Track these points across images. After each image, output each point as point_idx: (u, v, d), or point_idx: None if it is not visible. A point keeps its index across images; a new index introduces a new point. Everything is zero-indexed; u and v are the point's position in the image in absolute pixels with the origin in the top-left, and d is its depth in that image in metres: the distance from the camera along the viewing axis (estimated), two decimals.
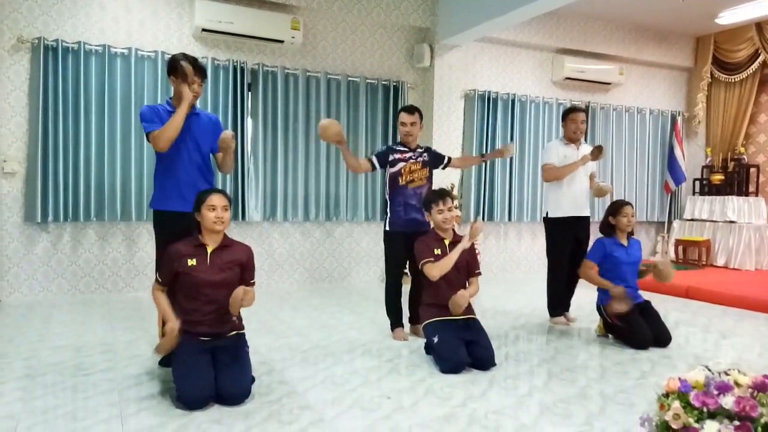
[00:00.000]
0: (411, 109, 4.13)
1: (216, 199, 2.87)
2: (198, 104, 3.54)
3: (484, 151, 6.94)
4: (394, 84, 6.55)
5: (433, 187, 4.11)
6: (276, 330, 4.24)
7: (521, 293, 5.42)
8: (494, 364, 3.38)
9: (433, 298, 3.58)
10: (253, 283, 3.02)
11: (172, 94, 3.29)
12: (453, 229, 3.72)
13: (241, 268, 2.95)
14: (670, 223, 8.36)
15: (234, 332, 2.95)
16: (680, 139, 8.23)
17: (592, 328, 4.39)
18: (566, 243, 4.64)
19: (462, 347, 3.34)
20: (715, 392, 1.45)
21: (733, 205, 7.63)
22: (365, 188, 6.45)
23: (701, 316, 5.06)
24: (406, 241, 3.94)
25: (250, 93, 5.94)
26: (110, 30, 5.38)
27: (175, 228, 3.12)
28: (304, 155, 6.18)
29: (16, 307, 4.83)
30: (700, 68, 8.29)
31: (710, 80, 8.29)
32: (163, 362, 3.25)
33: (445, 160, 4.35)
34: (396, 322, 4.14)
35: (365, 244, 6.57)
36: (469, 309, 3.59)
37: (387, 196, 4.15)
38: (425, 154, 4.17)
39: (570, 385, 3.13)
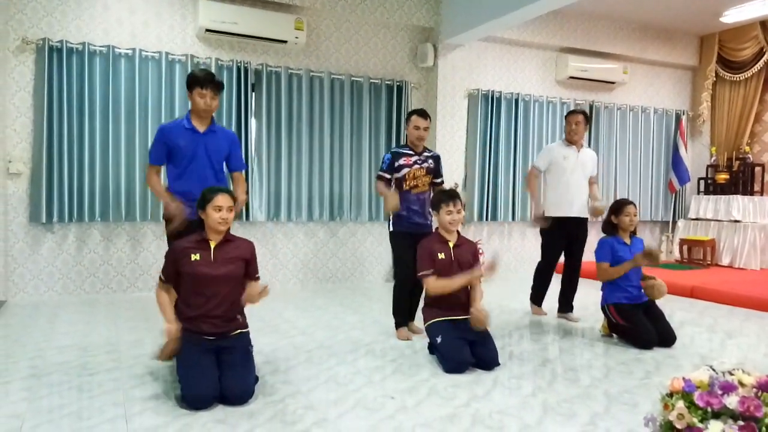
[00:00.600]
0: (425, 114, 4.21)
1: (222, 200, 2.88)
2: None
3: (488, 150, 6.95)
4: (398, 84, 6.54)
5: (431, 193, 4.22)
6: (280, 330, 4.24)
7: (525, 293, 5.40)
8: (498, 364, 3.37)
9: (434, 299, 3.57)
10: (258, 278, 3.04)
11: (189, 107, 3.49)
12: (457, 231, 3.70)
13: (245, 262, 2.98)
14: (674, 222, 8.33)
15: (238, 331, 2.96)
16: (685, 138, 8.21)
17: (596, 328, 4.38)
18: (559, 242, 4.83)
19: (466, 347, 3.34)
20: (720, 392, 1.44)
21: (738, 205, 7.60)
22: (369, 188, 6.45)
23: (706, 315, 5.05)
24: (412, 240, 3.98)
25: (253, 93, 5.95)
26: (114, 31, 5.39)
27: (185, 235, 3.16)
28: (308, 155, 6.18)
29: (21, 307, 4.85)
30: (705, 67, 8.27)
31: (715, 79, 8.26)
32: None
33: (440, 180, 4.34)
34: (401, 322, 4.16)
35: (369, 244, 6.57)
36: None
37: None
38: (430, 161, 4.20)
39: (574, 384, 3.13)
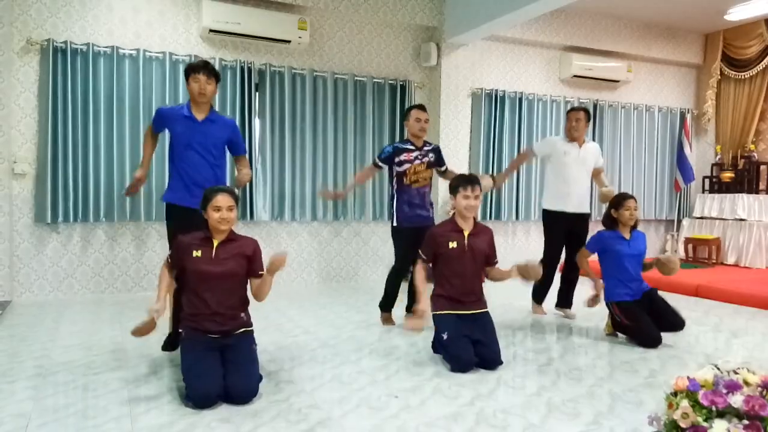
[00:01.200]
0: (424, 107, 4.36)
1: (221, 200, 2.89)
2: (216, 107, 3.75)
3: (492, 149, 6.96)
4: (401, 83, 6.54)
5: (432, 187, 4.33)
6: (284, 329, 4.25)
7: (527, 293, 5.40)
8: (501, 363, 3.36)
9: (444, 289, 3.50)
10: (262, 274, 3.02)
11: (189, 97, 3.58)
12: (474, 219, 3.59)
13: (247, 260, 2.97)
14: (679, 221, 8.30)
15: (242, 329, 2.96)
16: (689, 136, 8.18)
17: (600, 327, 4.37)
18: (558, 237, 4.82)
19: (471, 346, 3.32)
20: (724, 391, 1.44)
21: (743, 203, 7.57)
22: (372, 188, 6.45)
23: (712, 315, 5.03)
24: (415, 234, 4.06)
25: (257, 93, 5.96)
26: (118, 31, 5.41)
27: (183, 221, 3.29)
28: (312, 155, 6.19)
29: (27, 306, 4.87)
30: (710, 65, 8.23)
31: (720, 77, 8.23)
32: (165, 347, 3.52)
33: (444, 167, 4.45)
34: (385, 307, 4.36)
35: (373, 244, 6.57)
36: (481, 302, 3.54)
37: (393, 192, 4.30)
38: (431, 154, 4.29)
39: (578, 383, 3.12)
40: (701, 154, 8.54)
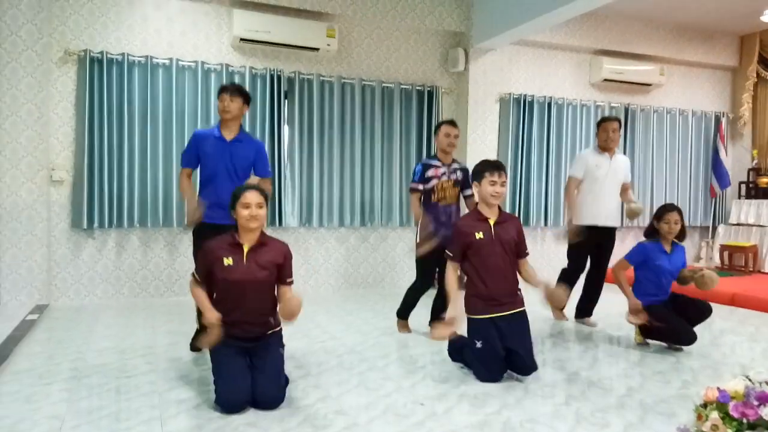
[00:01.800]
0: (454, 123, 4.35)
1: (250, 197, 2.83)
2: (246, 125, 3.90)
3: (520, 155, 6.90)
4: (429, 89, 6.55)
5: (461, 208, 4.27)
6: (312, 334, 4.28)
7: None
8: (536, 369, 3.26)
9: (477, 288, 3.30)
10: (291, 282, 3.00)
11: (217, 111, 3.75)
12: (499, 207, 3.42)
13: (277, 267, 2.92)
14: (714, 228, 8.11)
15: (270, 331, 2.95)
16: (724, 141, 7.99)
17: (630, 336, 4.28)
18: (585, 251, 4.73)
19: (503, 356, 3.22)
20: (756, 403, 1.40)
21: None
22: (400, 194, 6.46)
23: (748, 324, 4.90)
24: (437, 253, 4.01)
25: (286, 101, 6.03)
26: (152, 41, 5.54)
27: (207, 238, 3.29)
28: (339, 161, 6.23)
29: (63, 310, 5.00)
30: (746, 67, 8.03)
31: (756, 80, 8.03)
32: (193, 347, 3.66)
33: (470, 193, 4.30)
34: (402, 314, 4.39)
35: (399, 250, 6.58)
36: (518, 299, 3.35)
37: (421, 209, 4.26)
38: (459, 172, 4.28)
39: (608, 394, 3.07)
40: (737, 159, 8.32)
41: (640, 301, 3.92)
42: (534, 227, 7.14)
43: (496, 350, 3.21)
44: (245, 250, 2.88)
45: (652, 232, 4.04)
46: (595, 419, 2.71)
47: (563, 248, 7.18)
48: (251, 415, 2.67)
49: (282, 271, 2.95)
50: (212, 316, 2.80)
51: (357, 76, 6.30)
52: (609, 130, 4.61)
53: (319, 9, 5.87)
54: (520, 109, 6.94)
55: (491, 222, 3.34)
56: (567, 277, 4.84)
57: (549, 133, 7.11)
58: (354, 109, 6.28)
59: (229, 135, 3.61)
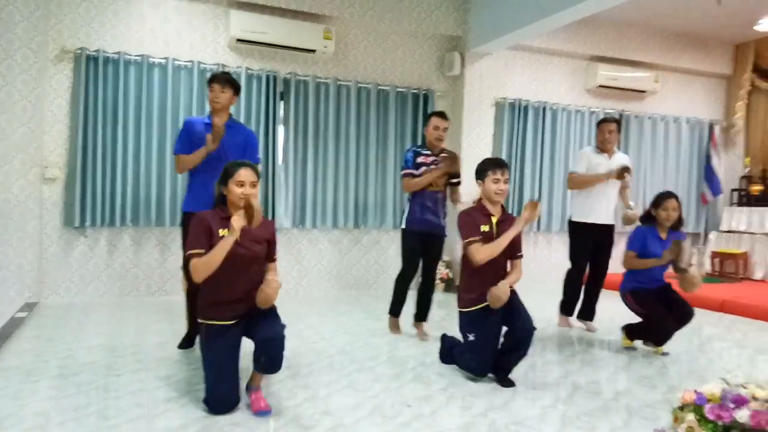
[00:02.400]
0: (444, 115, 4.36)
1: (244, 174, 2.75)
2: (233, 114, 3.86)
3: (514, 159, 6.93)
4: (424, 93, 6.57)
5: (447, 194, 4.32)
6: (302, 335, 4.28)
7: (550, 304, 5.36)
8: (535, 329, 3.19)
9: (472, 282, 3.31)
10: (275, 259, 2.95)
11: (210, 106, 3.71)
12: (502, 206, 3.44)
13: (267, 243, 2.89)
14: (706, 234, 8.14)
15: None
16: (717, 148, 8.03)
17: (620, 340, 4.31)
18: (586, 248, 4.78)
19: (495, 350, 3.23)
20: (731, 406, 1.42)
21: None
22: (393, 197, 6.48)
23: (736, 330, 4.93)
24: (422, 239, 4.17)
25: (282, 101, 6.04)
26: (148, 40, 5.55)
27: None
28: (334, 163, 6.24)
29: (53, 308, 5.00)
30: (740, 76, 8.09)
31: (750, 88, 8.08)
32: (182, 345, 3.72)
33: (457, 180, 4.35)
34: (393, 311, 4.41)
35: (392, 252, 6.59)
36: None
37: (408, 195, 4.33)
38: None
39: (595, 397, 3.09)
40: (730, 167, 8.37)
41: (628, 285, 3.96)
42: (526, 232, 7.14)
43: (489, 340, 3.22)
44: None
45: (648, 219, 4.06)
46: (581, 422, 2.72)
47: (556, 252, 7.27)
48: (237, 414, 2.67)
49: (270, 248, 2.91)
50: (239, 217, 2.65)
51: (353, 78, 6.31)
52: (605, 131, 4.72)
53: (316, 11, 5.88)
54: (515, 114, 6.97)
55: (494, 219, 3.34)
56: (572, 283, 4.88)
57: (543, 138, 7.14)
58: (349, 112, 6.29)
59: (218, 122, 3.57)
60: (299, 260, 6.20)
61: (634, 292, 3.97)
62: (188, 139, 3.64)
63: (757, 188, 7.79)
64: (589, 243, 4.76)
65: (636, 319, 4.11)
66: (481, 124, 6.80)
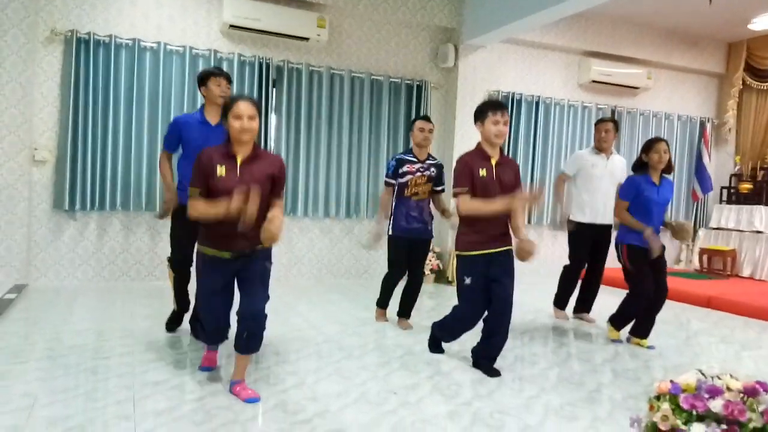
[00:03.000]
0: (428, 118, 4.41)
1: (243, 108, 2.69)
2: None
3: (507, 152, 6.93)
4: (418, 83, 6.56)
5: (431, 203, 4.34)
6: (291, 322, 4.30)
7: (539, 296, 5.41)
8: (512, 304, 3.26)
9: (471, 226, 3.26)
10: (281, 196, 2.90)
11: (202, 101, 3.67)
12: (500, 149, 3.37)
13: (272, 180, 2.80)
14: (695, 231, 8.21)
15: (260, 246, 2.77)
16: (708, 146, 8.09)
17: (607, 335, 4.35)
18: (583, 246, 4.84)
19: (487, 299, 3.24)
20: (706, 396, 1.44)
21: (761, 215, 7.46)
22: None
23: (722, 326, 4.98)
24: (409, 245, 4.23)
25: (274, 89, 6.02)
26: (140, 24, 5.50)
27: (185, 219, 3.30)
28: (326, 152, 6.24)
29: (42, 291, 4.98)
30: (732, 74, 8.13)
31: (742, 87, 8.13)
32: (169, 327, 3.78)
33: (440, 188, 4.36)
34: (381, 304, 4.51)
35: (384, 242, 6.58)
36: (507, 237, 3.34)
37: (393, 202, 4.31)
38: (433, 169, 4.30)
39: (579, 388, 3.12)
40: (720, 165, 8.43)
41: (629, 238, 3.98)
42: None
43: (483, 286, 3.23)
44: (239, 161, 2.74)
45: (640, 166, 4.07)
46: (564, 412, 2.76)
47: (546, 246, 7.31)
48: (224, 399, 2.69)
49: (275, 185, 2.82)
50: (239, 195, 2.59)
51: (346, 67, 6.30)
52: (602, 131, 4.77)
53: None
54: (509, 108, 6.97)
55: (493, 162, 3.29)
56: (567, 278, 4.96)
57: (536, 132, 7.16)
58: (342, 101, 6.28)
59: (213, 119, 3.57)
60: (290, 248, 6.21)
61: (632, 247, 3.97)
62: (177, 137, 3.60)
63: (746, 186, 7.85)
64: (587, 242, 4.81)
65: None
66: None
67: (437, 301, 5.43)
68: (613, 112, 7.58)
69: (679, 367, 3.65)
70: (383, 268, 4.46)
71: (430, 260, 6.25)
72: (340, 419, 2.53)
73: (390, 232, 4.32)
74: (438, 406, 2.74)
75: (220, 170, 2.71)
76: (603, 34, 7.31)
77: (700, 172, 8.10)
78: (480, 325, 3.37)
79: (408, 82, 6.54)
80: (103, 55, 5.32)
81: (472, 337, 3.46)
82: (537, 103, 7.14)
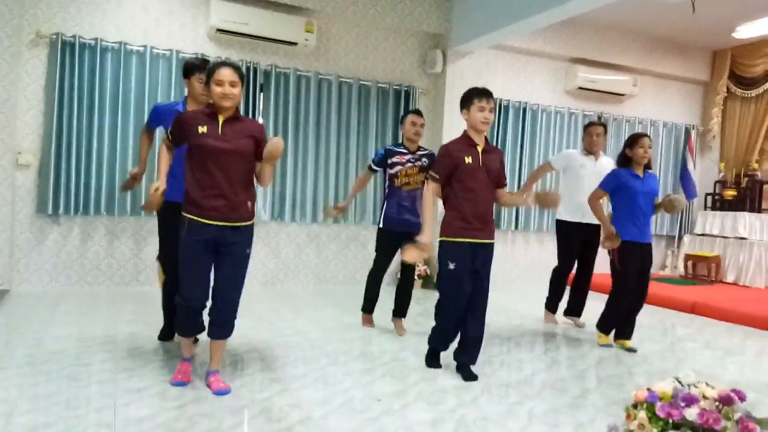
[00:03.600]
0: (419, 112, 4.41)
1: (224, 74, 2.76)
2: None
3: None
4: (406, 89, 6.58)
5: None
6: (275, 328, 4.27)
7: (526, 302, 5.42)
8: (488, 294, 3.38)
9: (457, 211, 3.30)
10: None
11: (186, 93, 3.54)
12: (485, 137, 3.40)
13: (255, 141, 2.86)
14: (680, 237, 8.28)
15: (245, 222, 2.86)
16: (693, 152, 8.16)
17: (595, 339, 4.37)
18: (572, 246, 4.89)
19: (470, 283, 3.26)
20: (682, 404, 1.45)
21: (744, 222, 7.55)
22: (374, 193, 6.48)
23: (706, 332, 5.02)
24: (399, 239, 4.17)
25: (262, 94, 6.01)
26: (127, 27, 5.47)
27: (172, 220, 3.26)
28: (314, 157, 6.23)
29: (24, 296, 4.92)
30: (716, 82, 8.22)
31: (726, 94, 8.22)
32: (162, 337, 3.67)
33: None
34: (366, 309, 4.51)
35: (371, 248, 6.56)
36: (491, 230, 3.38)
37: (384, 194, 4.36)
38: (424, 159, 4.30)
39: (563, 394, 3.13)
40: (705, 171, 8.51)
41: (621, 233, 4.00)
42: (504, 230, 7.21)
43: (467, 271, 3.25)
44: (220, 120, 2.81)
45: (624, 161, 4.11)
46: (547, 419, 2.76)
47: (533, 251, 7.35)
48: (206, 405, 2.66)
49: (259, 148, 2.86)
50: (159, 183, 2.84)
51: (334, 72, 6.30)
52: (593, 134, 4.84)
53: (298, 3, 5.85)
54: (496, 113, 6.96)
55: (479, 149, 3.33)
56: (557, 281, 5.01)
57: (523, 137, 7.20)
58: (330, 106, 6.28)
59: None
60: (277, 254, 6.18)
61: (624, 243, 4.00)
62: (156, 122, 3.59)
63: (730, 193, 7.93)
64: (576, 242, 4.86)
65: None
66: (463, 122, 6.77)
67: (425, 306, 5.42)
68: (599, 118, 7.63)
69: (663, 372, 3.66)
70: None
71: (418, 266, 6.25)
72: (323, 426, 2.52)
73: (380, 225, 4.33)
74: (422, 413, 2.73)
75: (202, 129, 2.78)
76: (590, 41, 7.37)
77: (684, 178, 8.16)
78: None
79: (396, 87, 6.55)
80: (89, 59, 5.28)
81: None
82: (524, 109, 7.18)
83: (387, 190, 4.31)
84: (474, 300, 3.31)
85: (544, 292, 5.13)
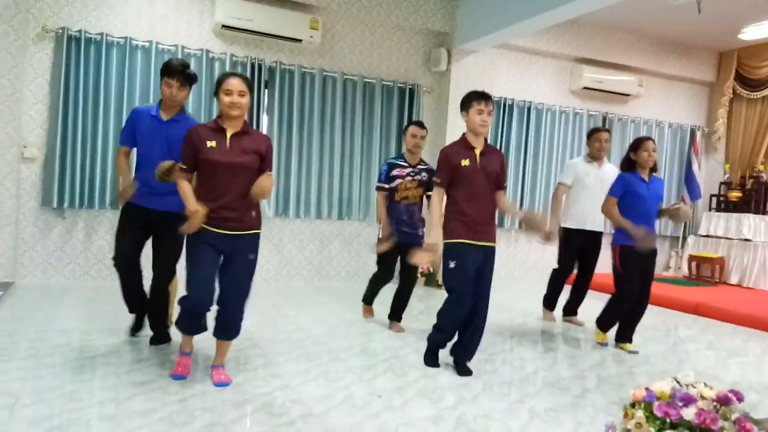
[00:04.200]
0: (422, 124, 4.41)
1: (233, 83, 2.81)
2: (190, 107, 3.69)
3: None
4: (410, 87, 6.58)
5: (424, 207, 4.29)
6: (278, 324, 4.29)
7: (528, 301, 5.42)
8: (489, 297, 3.39)
9: (457, 215, 3.32)
10: (271, 170, 3.00)
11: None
12: (485, 139, 3.42)
13: (259, 156, 2.90)
14: (684, 238, 8.26)
15: (251, 231, 2.91)
16: (698, 154, 8.14)
17: (594, 339, 4.37)
18: (571, 252, 4.93)
19: (473, 283, 3.27)
20: (680, 404, 1.45)
21: (749, 223, 7.52)
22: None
23: (709, 333, 5.01)
24: (399, 249, 4.20)
25: (266, 90, 6.01)
26: (132, 23, 5.49)
27: (133, 221, 3.33)
28: (318, 154, 6.24)
29: (29, 289, 4.95)
30: (723, 83, 8.19)
31: (732, 96, 8.19)
32: (154, 341, 3.53)
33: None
34: (367, 300, 4.63)
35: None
36: (493, 233, 3.38)
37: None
38: (424, 173, 4.30)
39: (564, 393, 3.13)
40: (710, 172, 8.49)
41: (622, 239, 3.99)
42: (508, 229, 7.21)
43: (468, 270, 3.25)
44: (228, 135, 2.86)
45: (629, 166, 4.10)
46: (548, 417, 2.77)
47: (536, 251, 7.34)
48: (208, 399, 2.68)
49: (263, 162, 2.92)
50: (194, 205, 2.77)
51: (339, 69, 6.30)
52: (602, 140, 4.83)
53: (303, 0, 5.86)
54: (500, 112, 7.00)
55: (477, 152, 3.34)
56: (557, 280, 5.04)
57: (527, 137, 7.19)
58: (335, 103, 6.28)
59: (166, 116, 3.36)
60: (280, 250, 6.19)
61: (624, 248, 3.99)
62: (132, 132, 3.44)
63: (735, 194, 7.90)
64: (577, 248, 4.89)
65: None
66: None
67: (427, 304, 5.43)
68: (604, 118, 7.62)
69: (663, 373, 3.67)
70: (373, 271, 4.48)
71: (420, 268, 6.26)
72: (324, 422, 2.53)
73: (379, 236, 4.35)
74: (422, 410, 2.74)
75: (210, 143, 2.82)
76: (595, 41, 7.35)
77: (689, 179, 8.15)
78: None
79: (400, 85, 6.55)
80: (94, 53, 5.30)
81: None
82: (529, 109, 7.17)
83: (387, 204, 4.30)
84: (474, 302, 3.32)
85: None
